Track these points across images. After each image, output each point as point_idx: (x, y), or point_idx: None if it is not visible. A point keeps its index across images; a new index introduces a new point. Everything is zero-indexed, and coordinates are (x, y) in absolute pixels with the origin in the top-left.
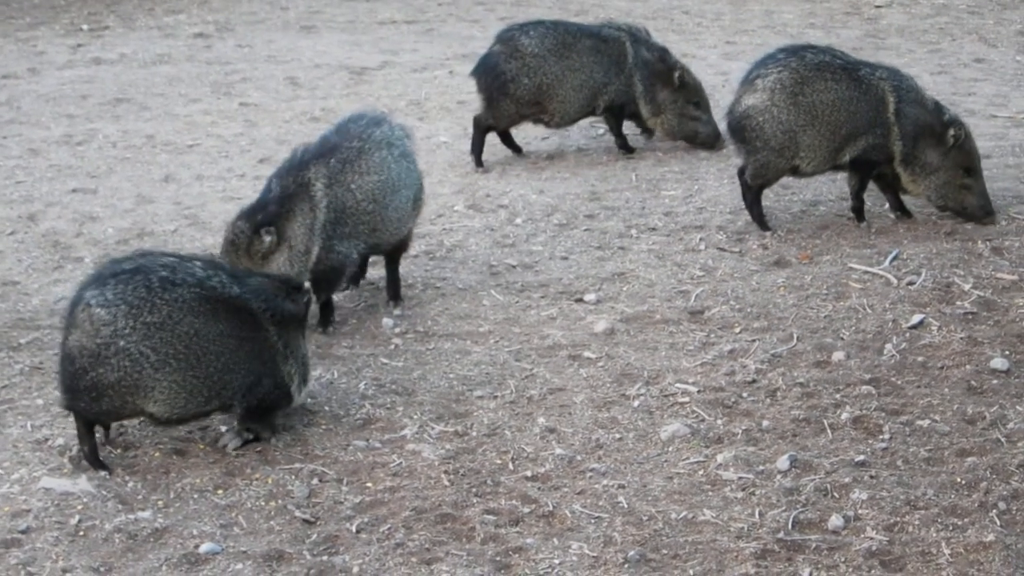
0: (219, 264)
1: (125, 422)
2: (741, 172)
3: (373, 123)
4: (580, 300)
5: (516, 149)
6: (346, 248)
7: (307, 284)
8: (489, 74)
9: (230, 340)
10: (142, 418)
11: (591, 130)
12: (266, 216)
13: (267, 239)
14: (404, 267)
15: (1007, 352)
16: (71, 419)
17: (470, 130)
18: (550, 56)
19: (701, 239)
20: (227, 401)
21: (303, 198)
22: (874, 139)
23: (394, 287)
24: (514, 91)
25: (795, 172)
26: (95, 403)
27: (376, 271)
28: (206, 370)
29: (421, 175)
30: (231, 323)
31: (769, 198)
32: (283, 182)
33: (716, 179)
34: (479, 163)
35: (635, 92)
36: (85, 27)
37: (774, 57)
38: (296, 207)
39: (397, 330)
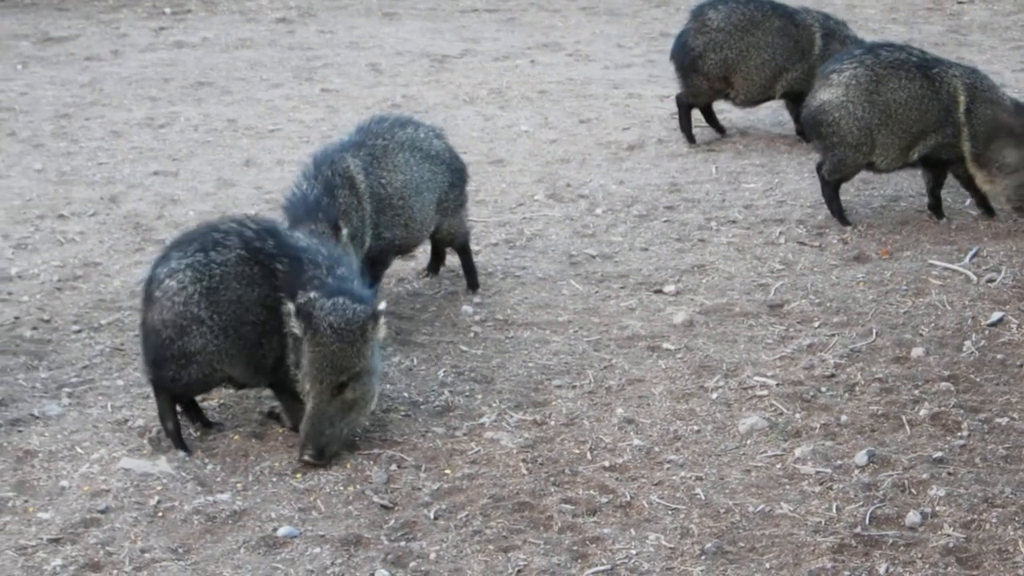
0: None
1: (205, 404)
2: (819, 167)
3: (398, 124)
4: (659, 291)
5: (720, 129)
6: (391, 234)
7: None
8: (681, 51)
9: None
10: (225, 388)
11: (671, 121)
12: (330, 212)
13: (344, 231)
14: (483, 256)
15: None
16: (151, 401)
17: (551, 119)
18: (735, 31)
19: (781, 233)
20: None
21: (350, 191)
22: (943, 138)
23: (471, 275)
24: (702, 66)
25: (871, 167)
26: (182, 372)
27: (457, 258)
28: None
29: (457, 174)
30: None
31: (849, 192)
32: (324, 178)
33: (797, 173)
34: (690, 140)
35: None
36: (168, 10)
37: (850, 54)
38: (347, 199)
39: (477, 318)
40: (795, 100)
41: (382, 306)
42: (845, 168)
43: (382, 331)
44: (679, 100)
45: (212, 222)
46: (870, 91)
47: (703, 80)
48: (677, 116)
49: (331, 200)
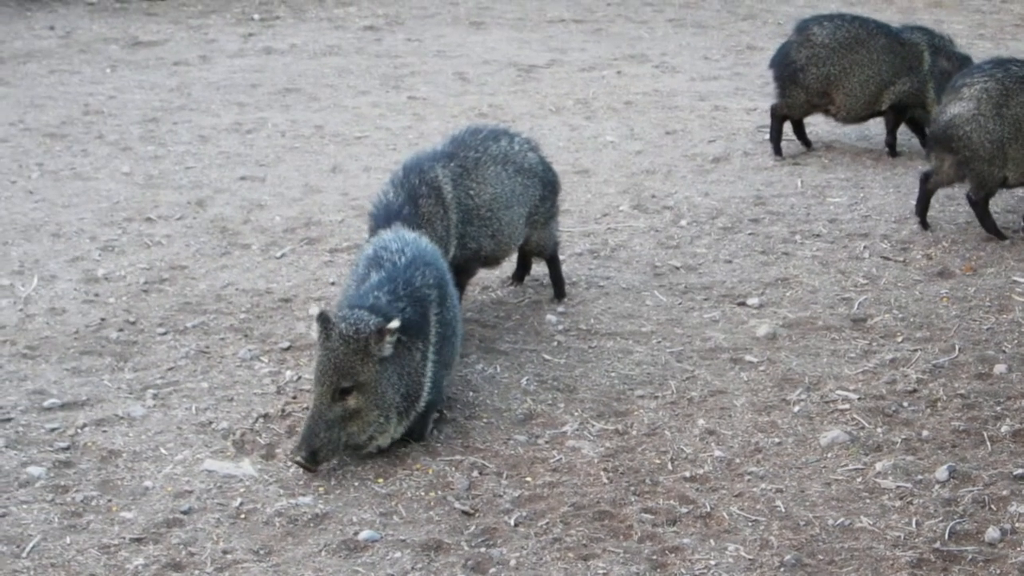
0: None
1: (285, 411)
2: (926, 178)
3: (491, 137)
4: (743, 304)
5: (807, 143)
6: (476, 245)
7: None
8: (782, 62)
9: None
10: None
11: (756, 134)
12: (410, 220)
13: (369, 243)
14: (568, 265)
15: None
16: (235, 403)
17: (636, 130)
18: (840, 48)
19: (865, 247)
20: None
21: (436, 199)
22: None
23: (558, 285)
24: (803, 80)
25: (1004, 183)
26: None
27: (541, 267)
28: None
29: (548, 187)
30: None
31: (934, 208)
32: (407, 185)
33: (882, 187)
34: (778, 152)
35: (926, 98)
36: (256, 16)
37: (980, 68)
38: (431, 209)
39: (560, 327)
40: (900, 113)
41: (393, 324)
42: (986, 183)
43: (387, 349)
44: (773, 111)
45: None
46: (1000, 105)
47: (801, 92)
48: (769, 127)
49: (414, 209)
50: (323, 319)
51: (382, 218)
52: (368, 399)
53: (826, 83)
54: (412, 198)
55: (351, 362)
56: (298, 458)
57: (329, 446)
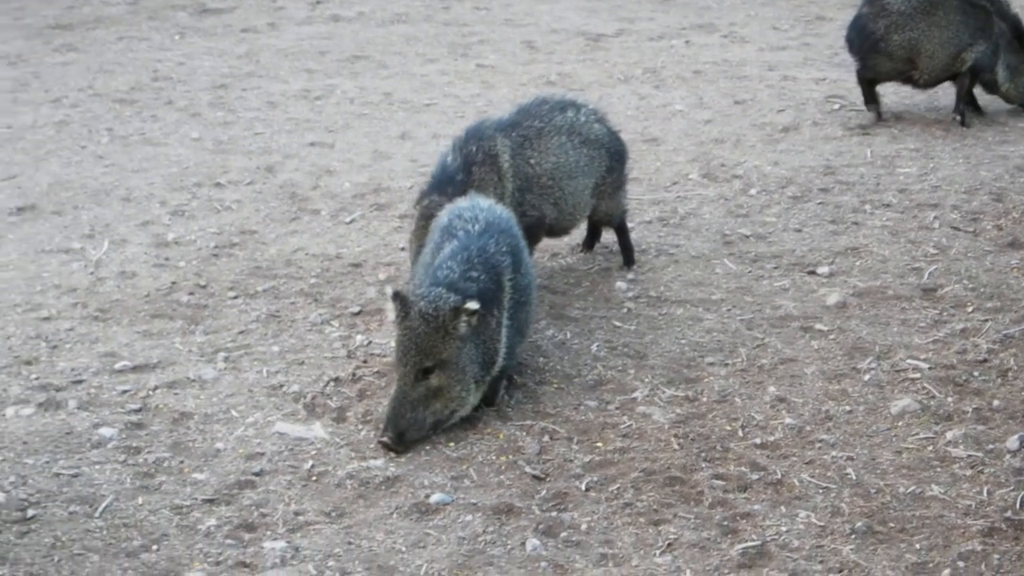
0: None
1: (355, 375)
2: None
3: (557, 108)
4: (813, 272)
5: (877, 113)
6: (538, 213)
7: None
8: (860, 35)
9: None
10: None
11: (825, 104)
12: (457, 188)
13: (444, 211)
14: (637, 233)
15: None
16: (306, 367)
17: (705, 100)
18: (916, 13)
19: (935, 217)
20: None
21: (491, 167)
22: None
23: (627, 252)
24: (885, 48)
25: None
26: None
27: (611, 235)
28: None
29: (616, 157)
30: None
31: (1004, 180)
32: (465, 152)
33: (951, 158)
34: (876, 113)
35: (997, 60)
36: None
37: None
38: (485, 176)
39: (630, 294)
40: (974, 77)
41: (471, 305)
42: None
43: (464, 328)
44: (860, 76)
45: None
46: None
47: (887, 61)
48: (838, 98)
49: (466, 175)
50: (399, 298)
51: (435, 181)
52: (450, 376)
53: (910, 49)
54: (467, 164)
55: (432, 342)
56: (384, 439)
57: (415, 426)
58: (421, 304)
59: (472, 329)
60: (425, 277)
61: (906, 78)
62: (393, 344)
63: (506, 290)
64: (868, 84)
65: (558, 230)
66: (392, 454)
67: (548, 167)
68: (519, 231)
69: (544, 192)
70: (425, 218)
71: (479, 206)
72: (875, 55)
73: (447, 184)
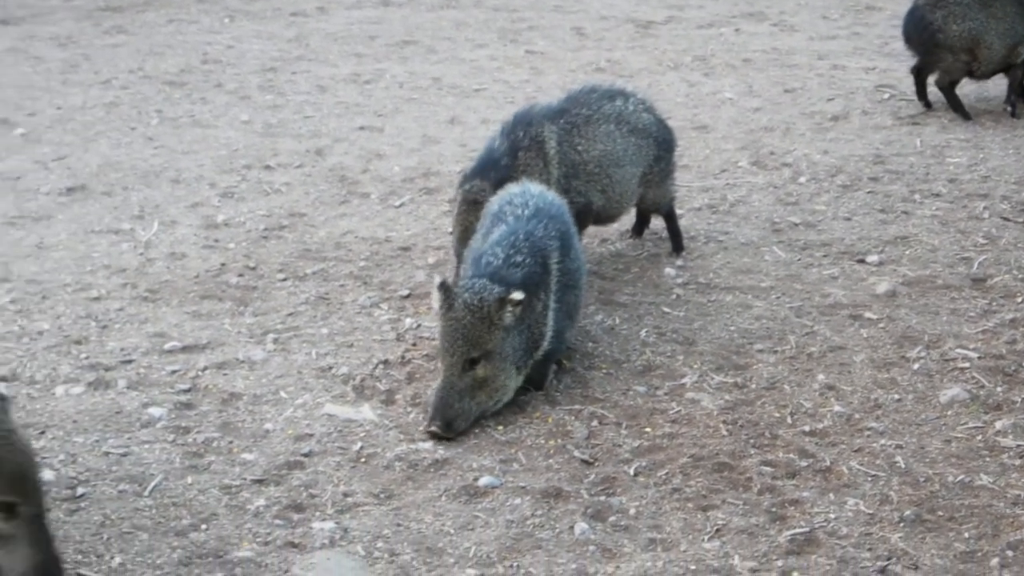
0: None
1: (405, 358)
2: None
3: (606, 96)
4: (862, 261)
5: (927, 103)
6: (585, 199)
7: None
8: (917, 27)
9: None
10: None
11: (875, 93)
12: (501, 173)
13: (494, 197)
14: (687, 220)
15: None
16: (355, 349)
17: (755, 88)
18: (974, 3)
19: (985, 208)
20: None
21: (536, 153)
22: None
23: (676, 239)
24: (944, 40)
25: None
26: None
27: (660, 221)
28: None
29: (664, 146)
30: None
31: None
32: (512, 137)
33: (1001, 148)
34: (928, 105)
35: None
36: None
37: None
38: (530, 162)
39: (679, 280)
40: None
41: (516, 296)
42: None
43: (509, 318)
44: (917, 71)
45: None
46: None
47: (947, 54)
48: (888, 87)
49: (511, 160)
50: (444, 289)
51: (479, 166)
52: (495, 365)
53: (969, 40)
54: (513, 150)
55: (477, 333)
56: (433, 427)
57: (463, 415)
58: (466, 296)
59: (517, 317)
60: (471, 265)
61: (966, 71)
62: (438, 333)
63: (553, 274)
64: (920, 76)
65: (605, 217)
66: (439, 442)
67: (595, 155)
68: (570, 217)
69: (591, 179)
70: (467, 202)
71: (529, 191)
72: (935, 48)
73: (491, 169)
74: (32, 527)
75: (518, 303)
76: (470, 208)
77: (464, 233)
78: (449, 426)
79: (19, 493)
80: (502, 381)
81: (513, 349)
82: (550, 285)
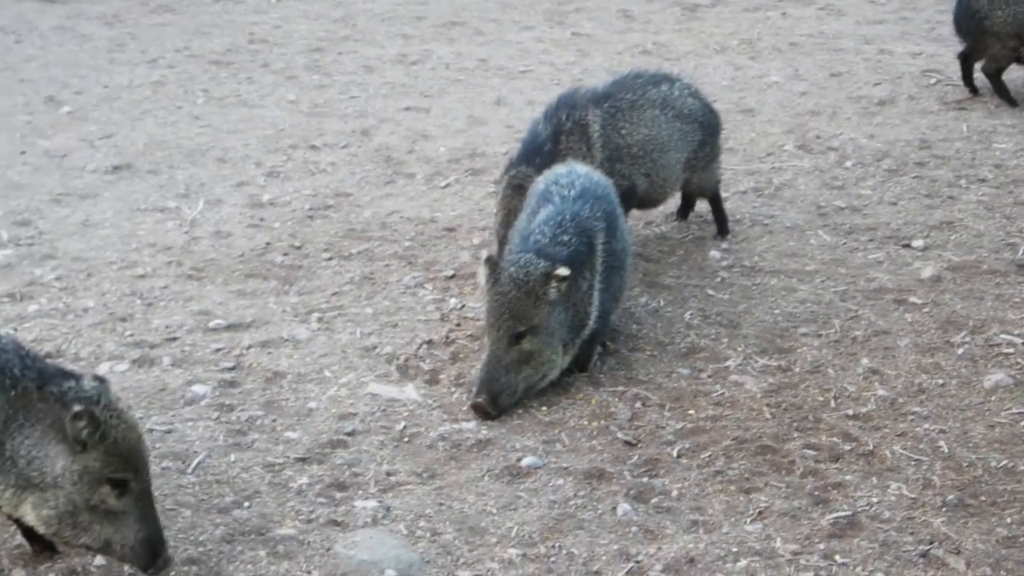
0: None
1: (449, 338)
2: None
3: (651, 82)
4: (907, 246)
5: (973, 89)
6: (628, 183)
7: None
8: (964, 16)
9: None
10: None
11: (922, 78)
12: (545, 158)
13: (541, 178)
14: (732, 203)
15: None
16: (399, 329)
17: (801, 72)
18: None
19: None
20: None
21: (580, 137)
22: None
23: (721, 222)
24: (991, 27)
25: None
26: None
27: (705, 204)
28: None
29: (709, 131)
30: None
31: None
32: (556, 121)
33: None
34: (975, 91)
35: None
36: None
37: None
38: (573, 145)
39: (724, 263)
40: None
41: (561, 271)
42: None
43: (554, 293)
44: (964, 58)
45: None
46: None
47: (994, 40)
48: (934, 72)
49: (554, 143)
50: (491, 263)
51: (524, 151)
52: (541, 340)
53: (1016, 25)
54: (556, 134)
55: (523, 307)
56: (479, 400)
57: (508, 390)
58: (512, 270)
59: (563, 293)
60: (518, 243)
61: (1014, 58)
62: (484, 311)
63: (599, 254)
64: (967, 62)
65: (649, 201)
66: (485, 418)
67: (639, 139)
68: (616, 198)
69: (635, 163)
70: (511, 187)
71: (576, 172)
72: (983, 35)
73: (535, 155)
74: (141, 503)
75: (564, 278)
76: (514, 193)
77: (507, 217)
78: (494, 400)
79: (131, 470)
80: (548, 356)
81: (560, 325)
82: (596, 265)
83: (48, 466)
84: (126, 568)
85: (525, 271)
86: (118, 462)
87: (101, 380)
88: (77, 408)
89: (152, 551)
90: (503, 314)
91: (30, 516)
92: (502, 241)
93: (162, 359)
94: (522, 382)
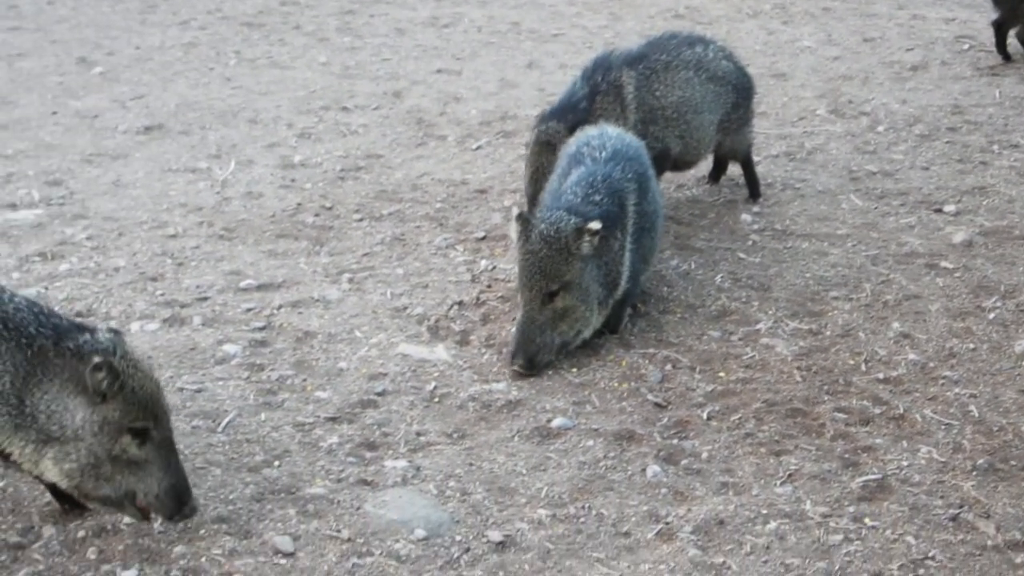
0: None
1: (479, 299)
2: None
3: (686, 43)
4: (939, 210)
5: (1006, 56)
6: (662, 145)
7: None
8: None
9: None
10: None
11: (955, 44)
12: (578, 116)
13: (572, 139)
14: (764, 167)
15: None
16: (430, 290)
17: (834, 36)
18: None
19: None
20: None
21: (614, 98)
22: None
23: (752, 185)
24: None
25: None
26: None
27: (737, 168)
28: None
29: (742, 93)
30: None
31: None
32: (591, 81)
33: None
34: (1008, 57)
35: None
36: None
37: None
38: (607, 106)
39: (755, 227)
40: None
41: (593, 225)
42: None
43: (587, 248)
44: (997, 25)
45: None
46: None
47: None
48: (967, 38)
49: (589, 104)
50: (523, 220)
51: (557, 108)
52: (575, 296)
53: None
54: (591, 94)
55: (556, 264)
56: (515, 366)
57: (544, 349)
58: (543, 227)
59: (595, 250)
60: (550, 202)
61: None
62: (517, 269)
63: (630, 215)
64: (1001, 29)
65: (682, 163)
66: (522, 378)
67: (673, 100)
68: (648, 160)
69: (668, 125)
70: (540, 143)
71: (607, 134)
72: (1018, 3)
73: (568, 112)
74: (162, 451)
75: (596, 232)
76: (543, 149)
77: (535, 174)
78: (531, 362)
79: (151, 418)
80: (582, 312)
81: (593, 281)
82: (627, 226)
83: (68, 419)
84: (155, 526)
85: (556, 228)
86: (138, 411)
87: (116, 332)
88: (96, 360)
89: (177, 499)
90: (535, 273)
91: (51, 471)
92: (531, 197)
93: (193, 318)
94: (557, 339)
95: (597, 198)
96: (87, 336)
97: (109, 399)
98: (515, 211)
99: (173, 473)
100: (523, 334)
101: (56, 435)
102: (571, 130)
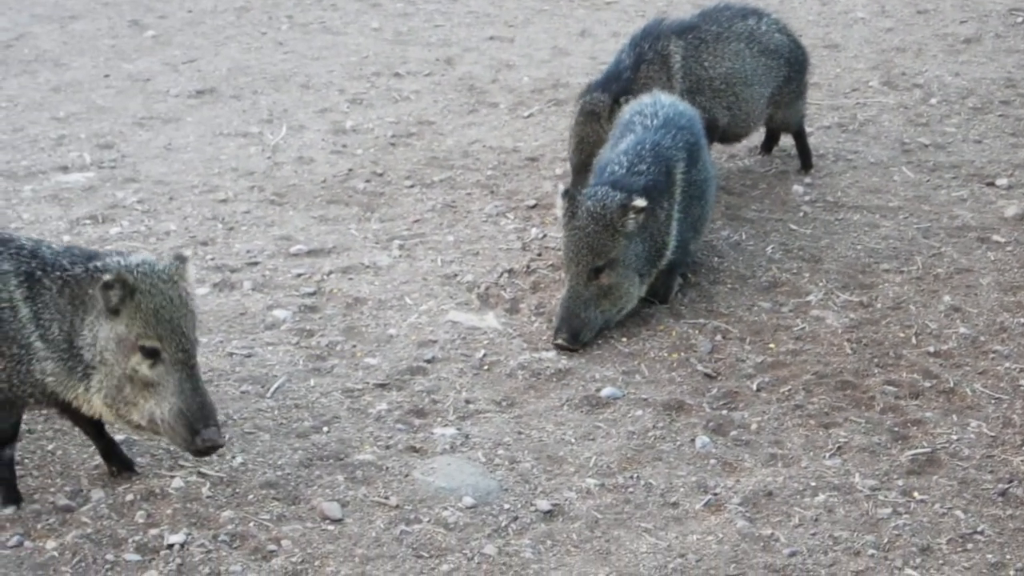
0: None
1: (530, 267)
2: None
3: (739, 15)
4: (991, 184)
5: None
6: (710, 115)
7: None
8: None
9: None
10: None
11: (1009, 16)
12: (622, 85)
13: (625, 107)
14: (816, 138)
15: None
16: (480, 257)
17: (887, 8)
18: None
19: None
20: None
21: (660, 67)
22: None
23: (804, 156)
24: None
25: None
26: None
27: (789, 139)
28: None
29: (795, 67)
30: None
31: None
32: (638, 50)
33: None
34: None
35: None
36: None
37: None
38: (653, 75)
39: (807, 198)
40: None
41: (638, 202)
42: None
43: (631, 225)
44: None
45: None
46: None
47: None
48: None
49: (634, 72)
50: (568, 197)
51: (603, 78)
52: (619, 273)
53: None
54: (636, 63)
55: (601, 241)
56: (559, 340)
57: (589, 325)
58: (588, 204)
59: (640, 224)
60: (596, 174)
61: None
62: (562, 242)
63: (678, 184)
64: None
65: (731, 135)
66: (566, 352)
67: (721, 71)
68: (700, 129)
69: (716, 96)
70: (584, 113)
71: (660, 102)
72: None
73: (612, 81)
74: (177, 375)
75: (641, 210)
76: (587, 119)
77: (580, 144)
78: (575, 337)
79: (160, 338)
80: (626, 289)
81: (636, 257)
82: (675, 195)
83: (98, 344)
84: (204, 490)
85: (602, 204)
86: (144, 327)
87: (181, 257)
88: (107, 278)
89: (188, 426)
90: (581, 249)
91: (98, 405)
92: (576, 167)
93: (243, 283)
94: (601, 316)
95: (643, 167)
96: (115, 259)
97: (121, 314)
98: (561, 187)
99: (185, 398)
100: (567, 309)
101: (93, 363)
102: (615, 100)
